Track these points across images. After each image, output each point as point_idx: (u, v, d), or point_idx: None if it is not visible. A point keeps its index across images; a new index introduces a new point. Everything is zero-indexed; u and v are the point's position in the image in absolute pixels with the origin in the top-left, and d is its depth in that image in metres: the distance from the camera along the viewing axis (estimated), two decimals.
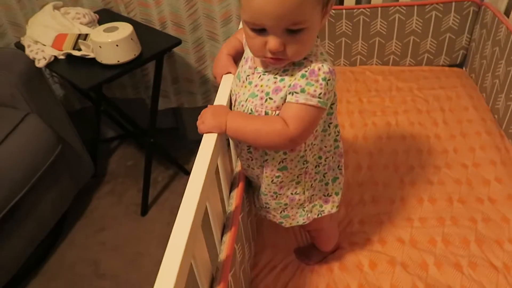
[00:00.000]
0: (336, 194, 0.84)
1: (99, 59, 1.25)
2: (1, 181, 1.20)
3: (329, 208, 0.84)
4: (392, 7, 1.42)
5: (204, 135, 0.70)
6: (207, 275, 0.69)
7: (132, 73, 1.70)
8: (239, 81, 0.75)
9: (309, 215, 0.83)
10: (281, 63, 0.66)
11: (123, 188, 1.74)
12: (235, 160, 0.90)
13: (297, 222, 0.84)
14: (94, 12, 1.50)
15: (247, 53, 0.75)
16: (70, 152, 1.53)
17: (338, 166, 0.83)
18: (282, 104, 0.68)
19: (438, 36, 1.45)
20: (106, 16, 1.51)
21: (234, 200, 0.82)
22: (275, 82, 0.68)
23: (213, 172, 0.68)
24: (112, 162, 1.87)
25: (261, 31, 0.62)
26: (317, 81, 0.65)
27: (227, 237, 0.76)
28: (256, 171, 0.80)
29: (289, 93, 0.66)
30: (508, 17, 1.29)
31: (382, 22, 1.45)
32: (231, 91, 0.80)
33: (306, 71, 0.65)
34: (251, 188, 0.91)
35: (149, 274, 1.35)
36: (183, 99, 1.76)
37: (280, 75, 0.68)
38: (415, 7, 1.41)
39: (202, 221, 0.62)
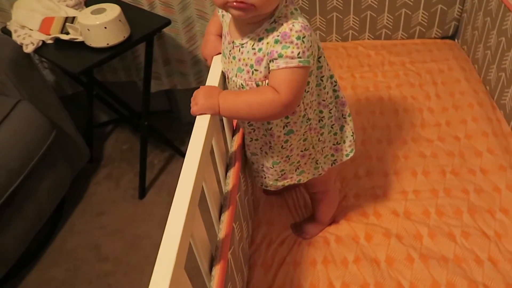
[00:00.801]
0: (344, 142, 0.87)
1: (88, 43, 1.23)
2: None
3: (340, 156, 0.88)
4: None
5: (197, 116, 0.70)
6: (207, 254, 0.70)
7: (123, 56, 1.68)
8: (225, 58, 0.76)
9: (323, 166, 0.87)
10: (246, 12, 0.64)
11: (119, 172, 1.74)
12: (230, 141, 0.91)
13: (313, 175, 0.88)
14: None
15: (224, 29, 0.76)
16: (65, 138, 1.52)
17: (343, 115, 0.85)
18: (269, 73, 0.68)
19: (430, 7, 1.44)
20: None
21: (230, 179, 0.83)
22: (254, 54, 0.69)
23: (207, 152, 0.69)
24: (108, 147, 1.87)
25: None
26: (291, 42, 0.64)
27: (225, 216, 0.77)
28: (259, 142, 0.81)
29: (270, 61, 0.66)
30: None
31: None
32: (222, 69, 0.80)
33: (278, 36, 0.65)
34: (252, 169, 0.92)
35: (150, 256, 1.37)
36: (175, 81, 1.75)
37: (257, 45, 0.68)
38: None
39: (199, 201, 0.63)
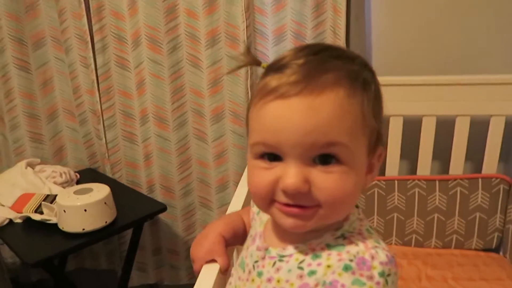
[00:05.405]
0: None
1: (60, 226, 1.02)
2: None
3: None
4: (410, 180, 1.26)
5: None
6: None
7: (108, 240, 1.45)
8: (243, 272, 0.50)
9: None
10: (305, 222, 0.42)
11: None
12: None
13: None
14: (78, 172, 1.35)
15: (255, 229, 0.53)
16: None
17: None
18: None
19: (467, 215, 1.25)
20: (88, 176, 1.36)
21: None
22: (300, 277, 0.43)
23: None
24: None
25: (275, 158, 0.41)
26: (371, 278, 0.40)
27: None
28: None
29: None
30: None
31: (399, 196, 1.27)
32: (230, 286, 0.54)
33: (351, 261, 0.41)
34: None
35: None
36: (163, 274, 1.46)
37: (308, 264, 0.43)
38: (436, 181, 1.25)
39: None
